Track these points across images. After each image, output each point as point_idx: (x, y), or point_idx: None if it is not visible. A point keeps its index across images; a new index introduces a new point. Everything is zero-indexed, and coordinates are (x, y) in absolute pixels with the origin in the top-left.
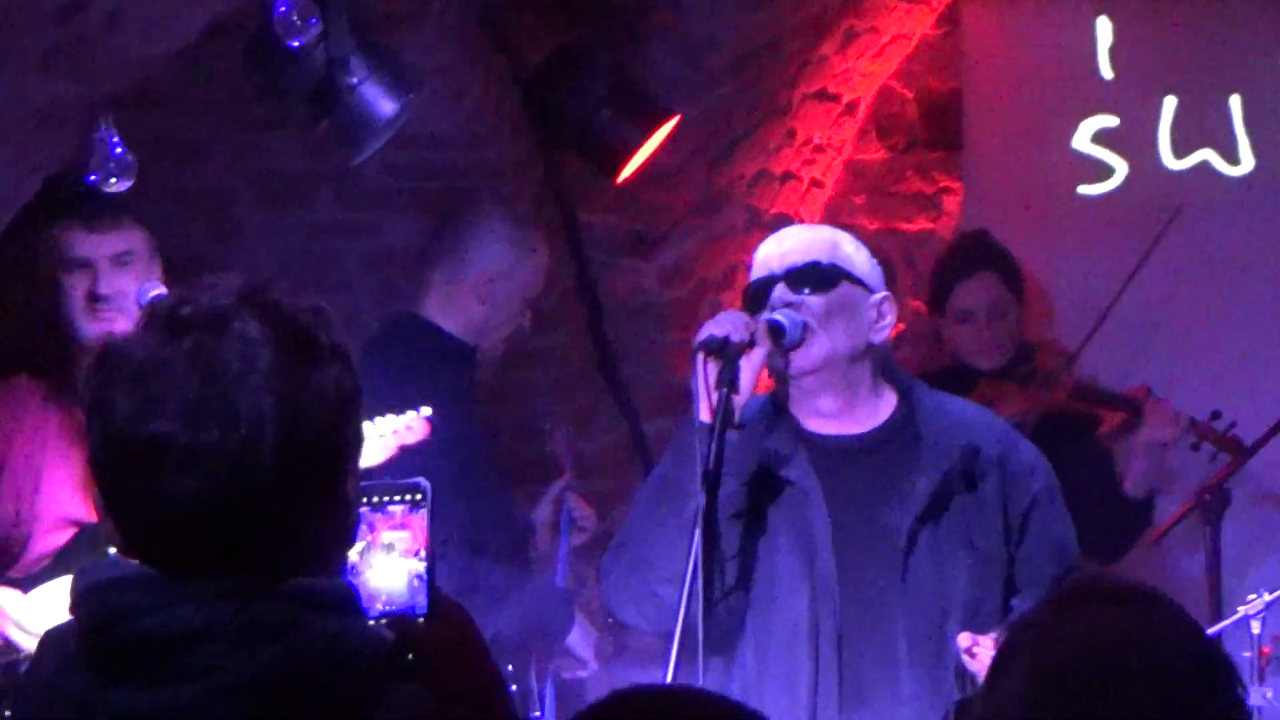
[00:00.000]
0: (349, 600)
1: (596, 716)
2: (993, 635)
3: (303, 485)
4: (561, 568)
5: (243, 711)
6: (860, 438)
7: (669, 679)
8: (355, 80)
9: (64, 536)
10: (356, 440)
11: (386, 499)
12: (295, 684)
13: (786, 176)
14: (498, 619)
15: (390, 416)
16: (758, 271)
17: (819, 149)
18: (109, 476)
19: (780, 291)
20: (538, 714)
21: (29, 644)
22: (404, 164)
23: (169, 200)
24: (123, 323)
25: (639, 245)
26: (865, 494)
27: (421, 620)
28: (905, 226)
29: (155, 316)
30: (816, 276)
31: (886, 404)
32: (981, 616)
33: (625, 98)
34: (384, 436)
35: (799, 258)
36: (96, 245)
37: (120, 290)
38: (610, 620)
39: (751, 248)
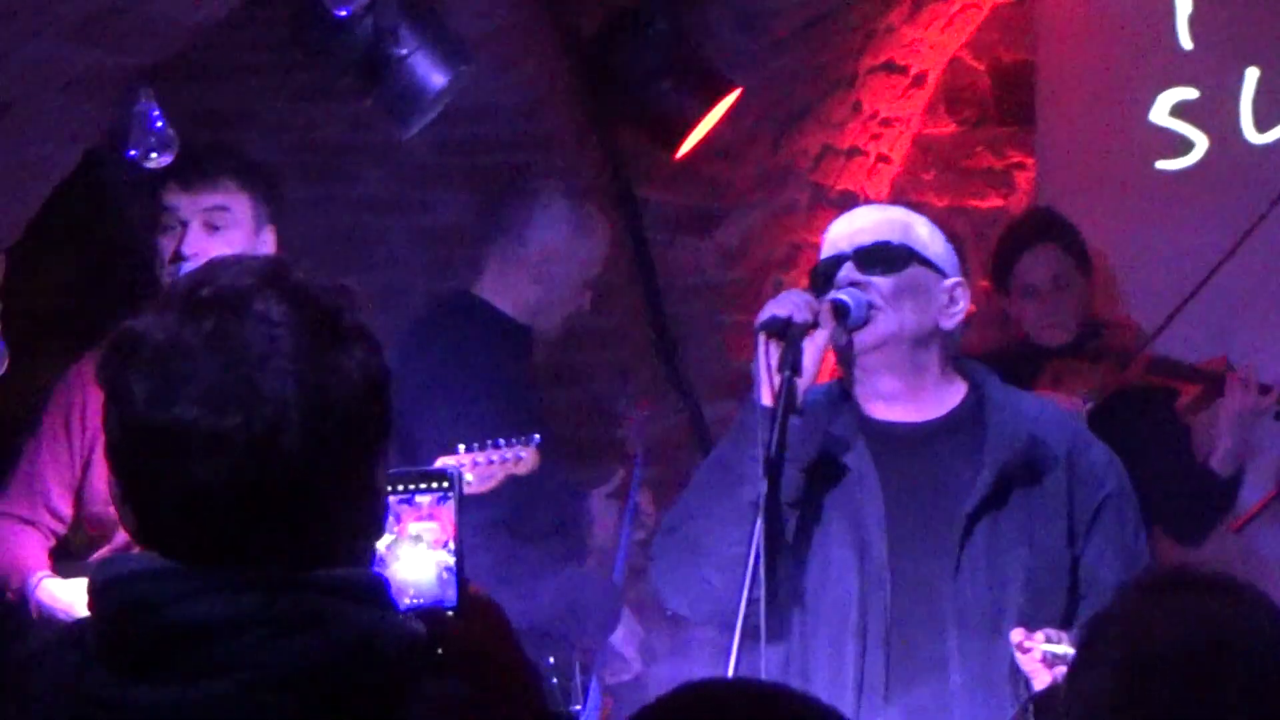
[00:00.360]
0: (380, 591)
1: (668, 711)
2: (1045, 632)
3: (329, 471)
4: (620, 561)
5: (273, 705)
6: (923, 425)
7: (730, 670)
8: (404, 51)
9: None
10: (385, 425)
11: (413, 488)
12: (327, 676)
13: (852, 151)
14: (535, 607)
15: (503, 444)
16: (827, 251)
17: (886, 123)
18: (127, 464)
19: (848, 271)
20: (577, 707)
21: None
22: (454, 137)
23: None
24: None
25: (699, 223)
26: (923, 483)
27: (451, 613)
28: (976, 204)
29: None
30: (886, 257)
31: (955, 394)
32: (1039, 617)
33: (685, 67)
34: (492, 464)
35: (868, 237)
36: (190, 202)
37: (203, 251)
38: (669, 613)
39: (815, 226)
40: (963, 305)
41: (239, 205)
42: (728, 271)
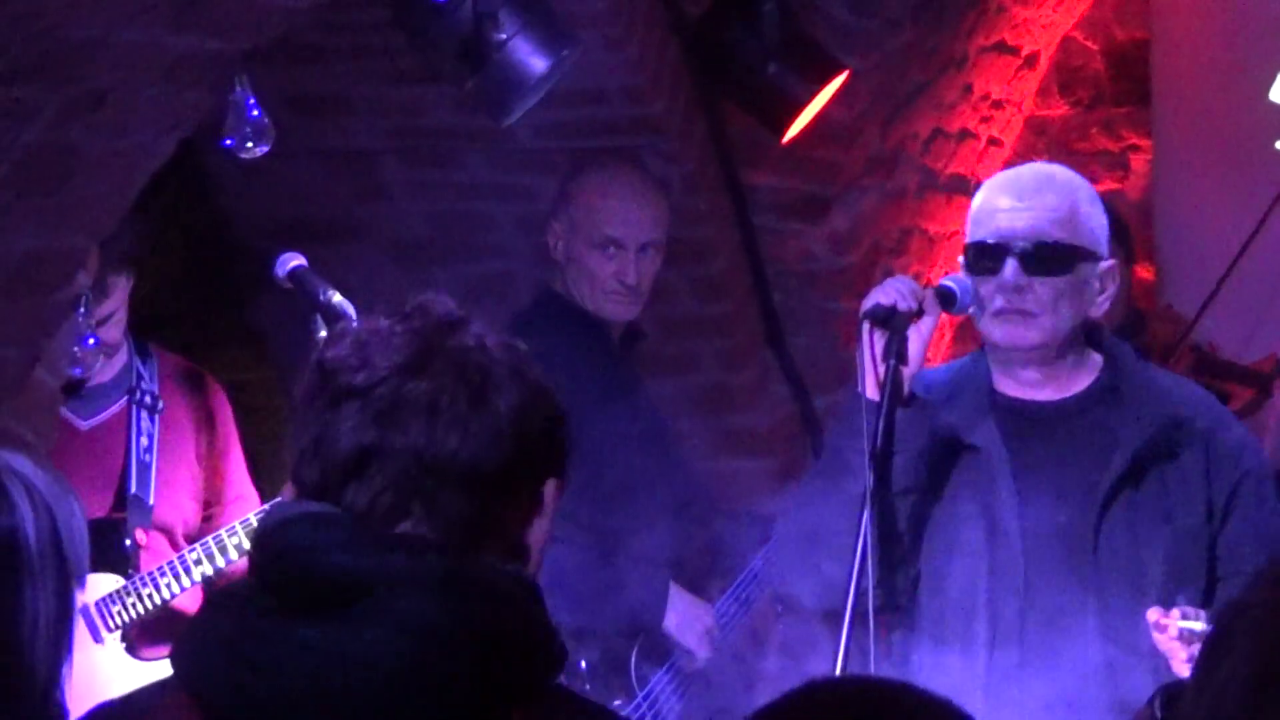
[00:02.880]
0: (539, 594)
1: (788, 711)
2: (1181, 609)
3: (524, 473)
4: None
5: (435, 664)
6: (1058, 403)
7: (839, 662)
8: (504, 36)
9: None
10: (560, 463)
11: None
12: (494, 649)
13: (963, 134)
14: (577, 601)
15: None
16: (982, 227)
17: (997, 105)
18: (318, 415)
19: (1011, 271)
20: (619, 701)
21: None
22: (558, 120)
23: (311, 160)
24: None
25: (808, 208)
26: (1056, 461)
27: None
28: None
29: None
30: (1052, 260)
31: (1090, 369)
32: (1180, 595)
33: (794, 49)
34: None
35: (1035, 233)
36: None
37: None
38: (779, 609)
39: (925, 211)
40: (1111, 290)
41: (120, 295)
42: (838, 258)
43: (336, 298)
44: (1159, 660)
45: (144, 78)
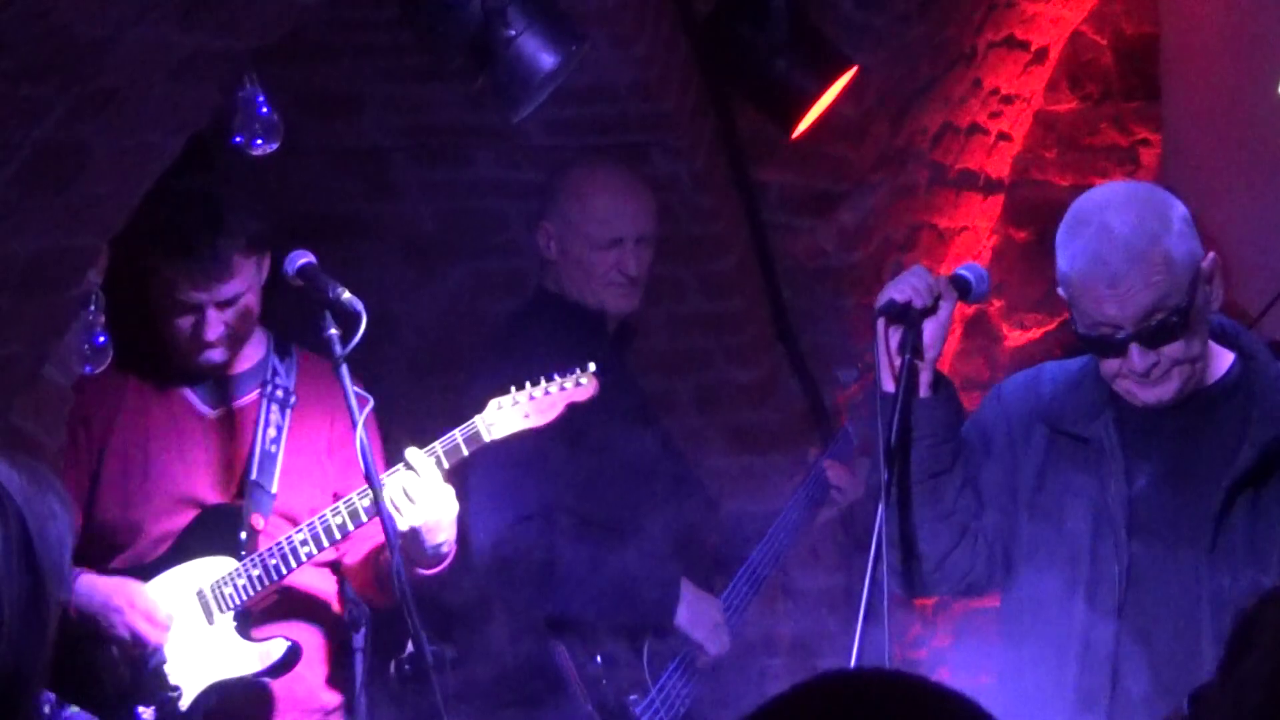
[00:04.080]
0: None
1: (801, 702)
2: None
3: None
4: (777, 540)
5: None
6: (1184, 400)
7: (854, 651)
8: (513, 32)
9: (182, 519)
10: None
11: None
12: None
13: (972, 129)
14: (585, 598)
15: (556, 377)
16: (1088, 318)
17: (1007, 100)
18: None
19: (1137, 356)
20: (633, 696)
21: (157, 636)
22: (568, 117)
23: (320, 158)
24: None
25: (818, 204)
26: (1176, 458)
27: None
28: (1100, 182)
29: None
30: (1172, 326)
31: (1219, 365)
32: None
33: (803, 45)
34: (549, 395)
35: (1146, 312)
36: (207, 295)
37: (223, 329)
38: (790, 606)
39: (935, 206)
40: (1219, 280)
41: (247, 276)
42: (847, 253)
43: (346, 295)
44: None
45: (153, 76)
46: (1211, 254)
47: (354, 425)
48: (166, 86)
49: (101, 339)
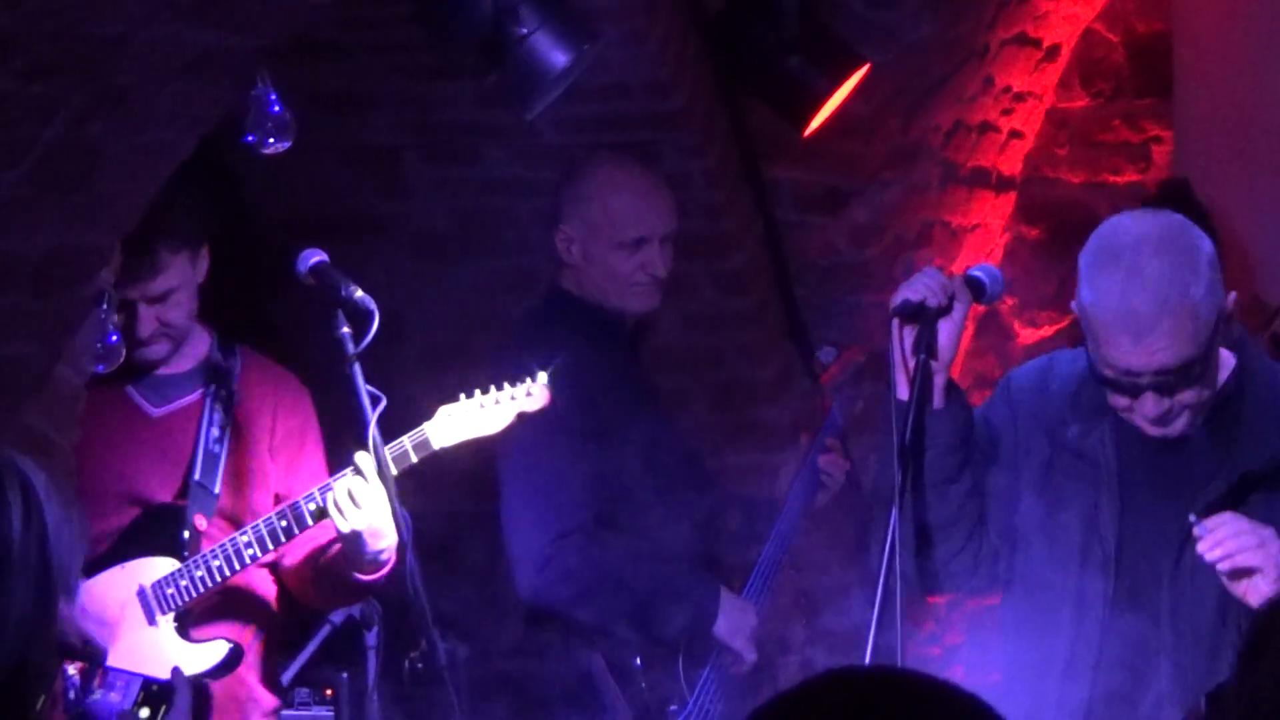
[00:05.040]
0: None
1: (809, 699)
2: (1225, 514)
3: None
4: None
5: None
6: None
7: (868, 655)
8: (525, 30)
9: (124, 518)
10: None
11: None
12: None
13: (984, 127)
14: (617, 605)
15: (506, 386)
16: (1107, 363)
17: (1019, 97)
18: None
19: (1152, 404)
20: (674, 707)
21: (98, 634)
22: (580, 115)
23: (332, 156)
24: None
25: (830, 202)
26: (1165, 474)
27: None
28: (1112, 179)
29: None
30: (1189, 379)
31: (1221, 371)
32: None
33: (815, 42)
34: (499, 404)
35: (1166, 365)
36: (138, 291)
37: (156, 326)
38: (803, 601)
39: (947, 204)
40: (1233, 309)
41: (179, 272)
42: (859, 251)
43: (358, 293)
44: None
45: (165, 74)
46: (1233, 294)
47: (310, 429)
48: (178, 85)
49: (114, 338)
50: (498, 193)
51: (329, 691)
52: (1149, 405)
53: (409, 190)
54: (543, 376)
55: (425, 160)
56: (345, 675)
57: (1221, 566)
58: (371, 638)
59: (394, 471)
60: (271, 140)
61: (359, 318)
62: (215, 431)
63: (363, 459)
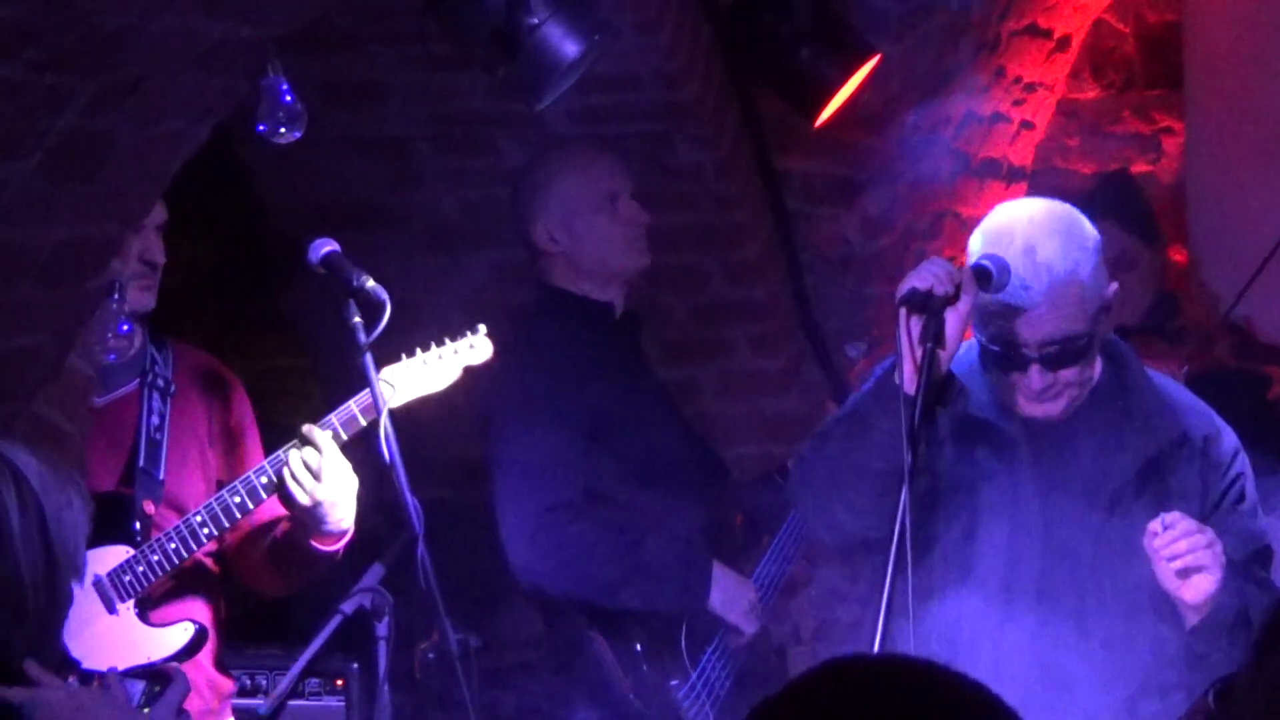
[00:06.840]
0: None
1: (809, 691)
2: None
3: None
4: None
5: None
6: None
7: (878, 639)
8: (536, 20)
9: None
10: None
11: None
12: None
13: (995, 118)
14: (604, 584)
15: (448, 341)
16: (991, 329)
17: (1030, 88)
18: None
19: (1037, 376)
20: (675, 682)
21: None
22: (592, 106)
23: (344, 147)
24: None
25: (841, 193)
26: (1072, 454)
27: None
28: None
29: None
30: (1073, 354)
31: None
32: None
33: (826, 33)
34: (443, 359)
35: (1052, 337)
36: None
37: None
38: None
39: (958, 195)
40: (1113, 300)
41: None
42: (870, 242)
43: (370, 283)
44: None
45: (177, 65)
46: (1114, 284)
47: (245, 416)
48: (191, 75)
49: (125, 328)
50: (509, 183)
51: (340, 682)
52: (1034, 378)
53: (420, 180)
54: (483, 328)
55: (437, 150)
56: (356, 665)
57: (1174, 565)
58: (382, 628)
59: (344, 438)
60: (283, 130)
61: (371, 308)
62: (155, 420)
63: (310, 430)
